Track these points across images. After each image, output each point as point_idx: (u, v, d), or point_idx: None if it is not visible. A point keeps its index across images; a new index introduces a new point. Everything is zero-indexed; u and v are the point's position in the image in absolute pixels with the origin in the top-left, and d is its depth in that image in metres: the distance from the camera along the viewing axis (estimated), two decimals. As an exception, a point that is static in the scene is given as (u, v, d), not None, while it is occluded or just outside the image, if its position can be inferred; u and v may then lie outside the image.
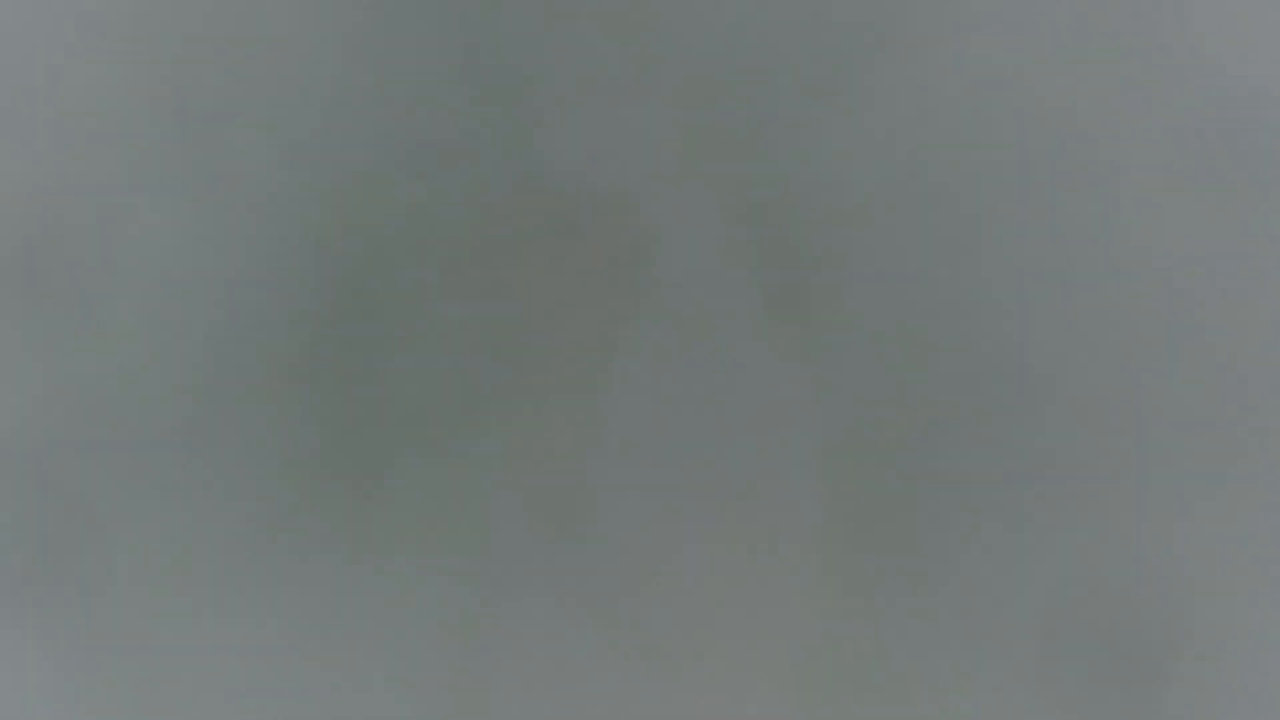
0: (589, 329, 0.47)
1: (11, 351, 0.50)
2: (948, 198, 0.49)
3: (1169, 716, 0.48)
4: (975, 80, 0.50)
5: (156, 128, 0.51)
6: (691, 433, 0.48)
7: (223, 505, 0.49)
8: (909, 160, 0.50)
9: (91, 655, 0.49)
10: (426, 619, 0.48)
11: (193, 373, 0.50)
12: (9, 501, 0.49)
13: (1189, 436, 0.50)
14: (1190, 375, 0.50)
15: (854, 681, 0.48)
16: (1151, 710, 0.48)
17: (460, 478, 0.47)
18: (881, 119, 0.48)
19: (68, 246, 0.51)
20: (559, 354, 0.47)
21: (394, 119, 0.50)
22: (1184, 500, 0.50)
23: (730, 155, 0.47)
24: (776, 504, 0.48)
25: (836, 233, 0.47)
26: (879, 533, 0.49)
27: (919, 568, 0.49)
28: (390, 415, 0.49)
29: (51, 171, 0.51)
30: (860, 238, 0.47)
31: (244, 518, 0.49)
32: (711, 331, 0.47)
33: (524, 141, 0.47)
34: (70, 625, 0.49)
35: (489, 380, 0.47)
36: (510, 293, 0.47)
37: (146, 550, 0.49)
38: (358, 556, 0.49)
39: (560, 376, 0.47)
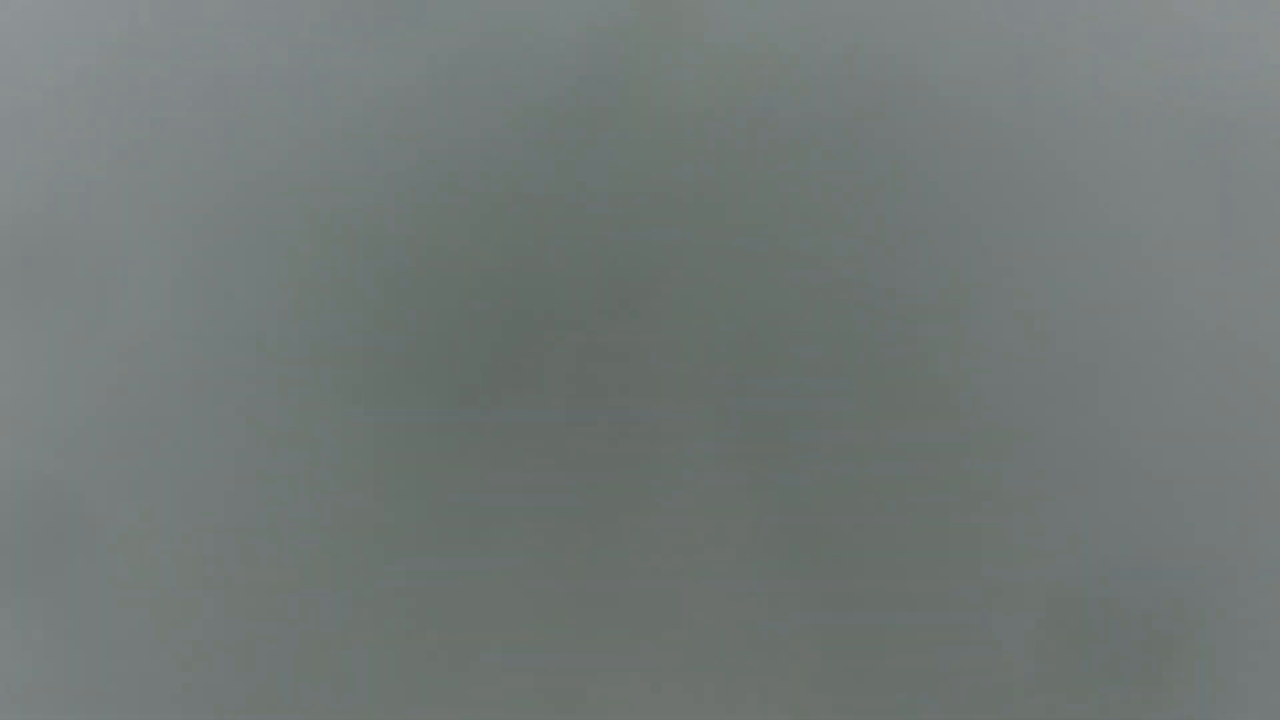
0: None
1: (12, 350, 0.50)
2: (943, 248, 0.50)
3: (1169, 716, 0.48)
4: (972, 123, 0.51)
5: (163, 125, 0.52)
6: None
7: (223, 506, 0.49)
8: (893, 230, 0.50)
9: (93, 656, 0.49)
10: (413, 662, 0.49)
11: (196, 370, 0.50)
12: (10, 501, 0.49)
13: (1189, 434, 0.50)
14: (1189, 375, 0.50)
15: (851, 679, 0.48)
16: (1152, 710, 0.48)
17: (443, 593, 0.48)
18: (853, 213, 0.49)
19: (71, 244, 0.51)
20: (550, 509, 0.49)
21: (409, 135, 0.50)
22: (1185, 499, 0.50)
23: (721, 361, 0.49)
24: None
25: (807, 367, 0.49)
26: (873, 523, 0.49)
27: (916, 564, 0.49)
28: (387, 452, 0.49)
29: (55, 169, 0.51)
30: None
31: (244, 518, 0.49)
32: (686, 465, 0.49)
33: (525, 351, 0.48)
34: (70, 625, 0.49)
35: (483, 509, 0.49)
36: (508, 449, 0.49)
37: (149, 550, 0.49)
38: (358, 565, 0.49)
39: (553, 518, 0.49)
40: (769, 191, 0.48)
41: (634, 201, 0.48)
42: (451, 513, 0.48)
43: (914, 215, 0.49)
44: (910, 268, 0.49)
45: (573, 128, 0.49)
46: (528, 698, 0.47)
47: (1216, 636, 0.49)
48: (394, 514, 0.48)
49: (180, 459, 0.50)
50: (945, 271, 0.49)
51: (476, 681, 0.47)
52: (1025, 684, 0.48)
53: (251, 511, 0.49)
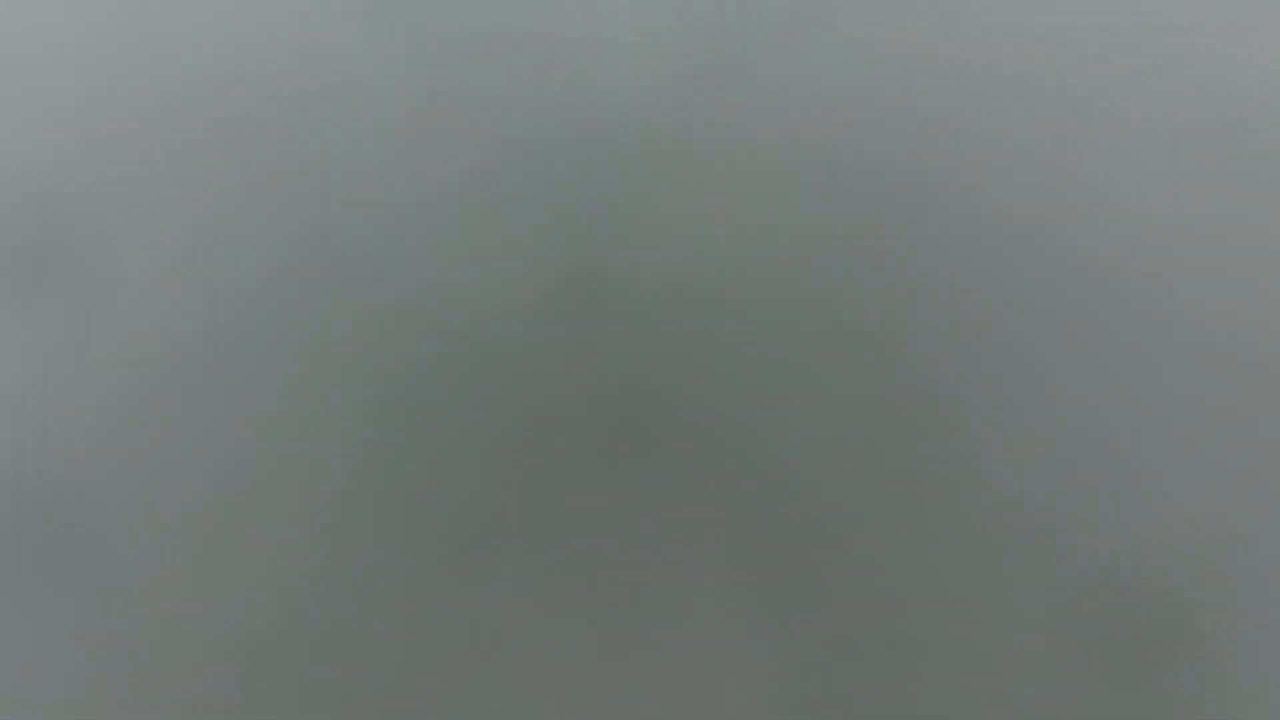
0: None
1: (13, 346, 0.50)
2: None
3: (1169, 715, 0.48)
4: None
5: (166, 120, 0.51)
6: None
7: (224, 502, 0.50)
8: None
9: (93, 656, 0.49)
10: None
11: (198, 369, 0.50)
12: (9, 499, 0.50)
13: (1190, 431, 0.50)
14: (1191, 371, 0.50)
15: (853, 678, 0.48)
16: (1151, 709, 0.48)
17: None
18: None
19: (73, 239, 0.51)
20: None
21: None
22: (1184, 498, 0.50)
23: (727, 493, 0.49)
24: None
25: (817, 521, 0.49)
26: (889, 669, 0.49)
27: (918, 557, 0.49)
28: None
29: (57, 163, 0.51)
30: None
31: (244, 515, 0.49)
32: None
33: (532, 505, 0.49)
34: (70, 624, 0.49)
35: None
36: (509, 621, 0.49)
37: (149, 548, 0.49)
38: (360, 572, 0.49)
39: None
40: (784, 315, 0.49)
41: (645, 333, 0.48)
42: (454, 649, 0.48)
43: (932, 339, 0.49)
44: (930, 398, 0.49)
45: (584, 256, 0.49)
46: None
47: (1218, 639, 0.49)
48: (395, 649, 0.48)
49: (181, 483, 0.50)
50: (964, 403, 0.49)
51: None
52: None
53: (248, 588, 0.49)
